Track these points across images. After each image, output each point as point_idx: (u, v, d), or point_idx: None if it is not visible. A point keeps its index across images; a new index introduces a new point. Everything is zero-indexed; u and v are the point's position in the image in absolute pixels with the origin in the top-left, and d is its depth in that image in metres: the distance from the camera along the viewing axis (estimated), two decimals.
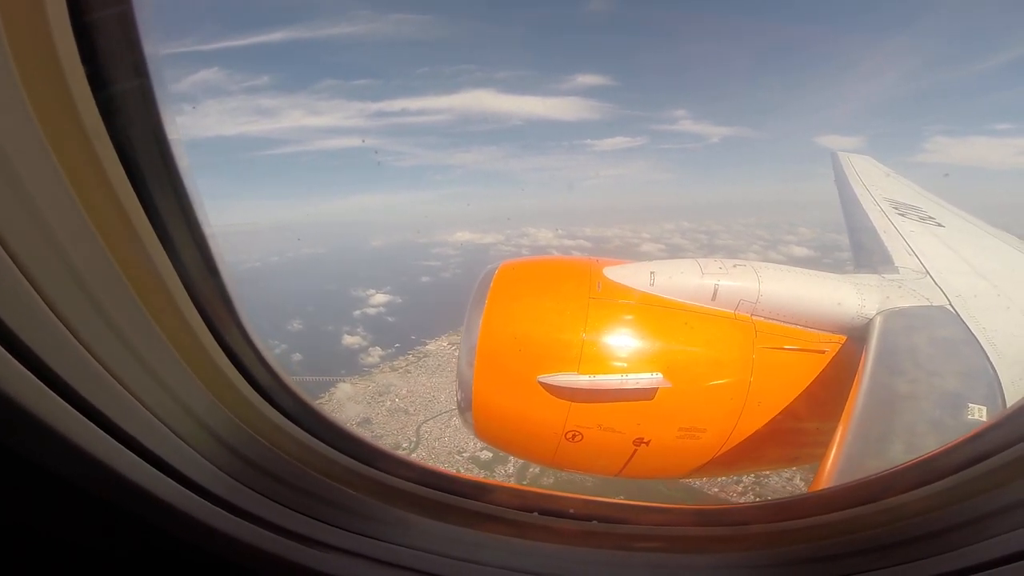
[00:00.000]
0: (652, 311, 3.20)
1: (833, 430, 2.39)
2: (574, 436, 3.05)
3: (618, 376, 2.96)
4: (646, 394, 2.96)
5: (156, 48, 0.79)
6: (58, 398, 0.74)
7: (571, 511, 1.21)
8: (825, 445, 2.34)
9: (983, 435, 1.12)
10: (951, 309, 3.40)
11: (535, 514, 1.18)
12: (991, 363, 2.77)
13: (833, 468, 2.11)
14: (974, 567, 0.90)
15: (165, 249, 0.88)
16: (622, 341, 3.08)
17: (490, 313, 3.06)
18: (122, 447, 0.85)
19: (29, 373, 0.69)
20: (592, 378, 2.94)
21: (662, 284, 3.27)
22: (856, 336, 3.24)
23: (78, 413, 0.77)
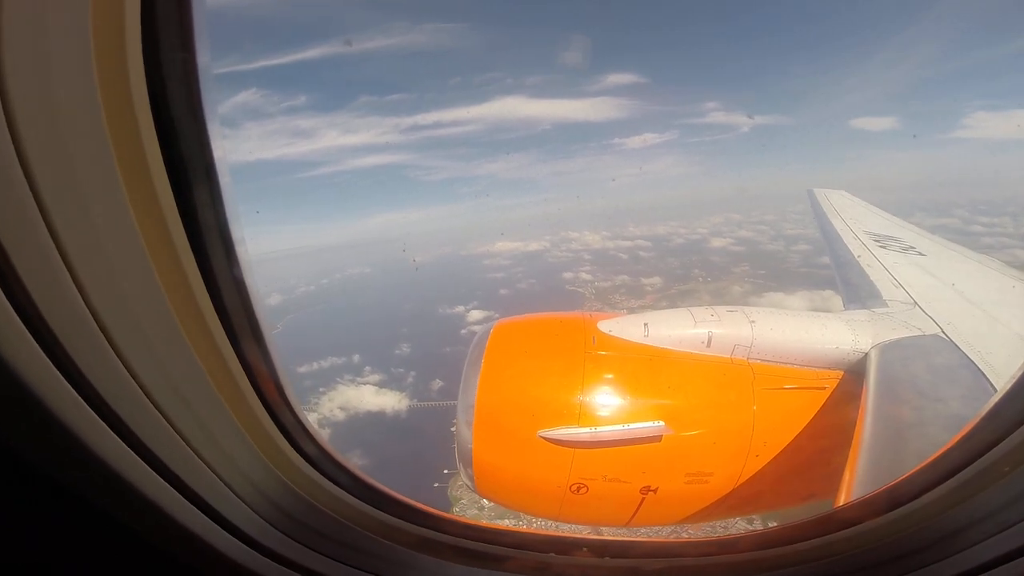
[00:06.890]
0: (649, 362, 3.20)
1: (842, 462, 2.34)
2: (579, 488, 2.98)
3: (620, 426, 2.91)
4: (650, 442, 2.91)
5: (209, 71, 0.81)
6: (138, 458, 0.82)
7: (584, 549, 1.37)
8: (836, 478, 2.28)
9: (960, 445, 1.15)
10: (944, 336, 3.42)
11: (551, 554, 1.35)
12: (991, 383, 2.76)
13: (849, 500, 2.07)
14: (974, 569, 0.90)
15: (224, 329, 0.95)
16: (621, 394, 3.07)
17: (487, 372, 3.07)
18: (184, 499, 0.92)
19: (114, 434, 0.77)
20: (594, 430, 2.90)
21: (656, 335, 3.29)
22: (854, 370, 3.23)
23: (153, 472, 0.85)
